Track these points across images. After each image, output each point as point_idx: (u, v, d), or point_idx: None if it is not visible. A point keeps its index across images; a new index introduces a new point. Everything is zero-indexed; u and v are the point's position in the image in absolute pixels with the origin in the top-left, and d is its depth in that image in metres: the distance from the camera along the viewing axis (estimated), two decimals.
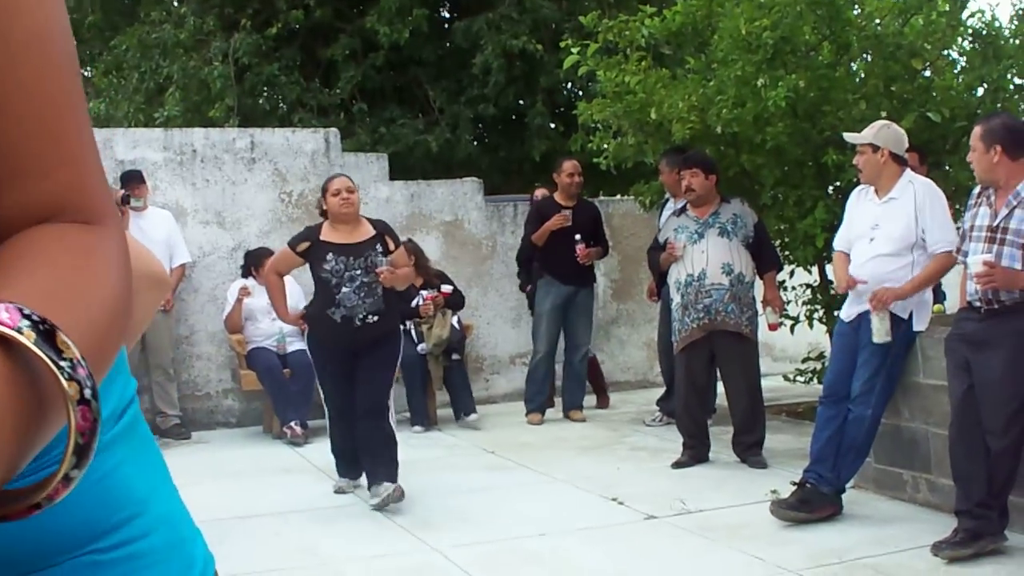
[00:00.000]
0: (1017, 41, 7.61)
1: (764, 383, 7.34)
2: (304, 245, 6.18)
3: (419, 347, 8.59)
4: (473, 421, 8.73)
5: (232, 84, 12.66)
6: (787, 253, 7.98)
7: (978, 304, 4.92)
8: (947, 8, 7.48)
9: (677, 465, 7.02)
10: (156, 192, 8.92)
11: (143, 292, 1.43)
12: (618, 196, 11.18)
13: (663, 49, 8.54)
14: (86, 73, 18.24)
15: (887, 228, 5.57)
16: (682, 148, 7.77)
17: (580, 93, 13.16)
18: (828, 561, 4.89)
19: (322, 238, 6.13)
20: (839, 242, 5.96)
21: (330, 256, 6.03)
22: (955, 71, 7.84)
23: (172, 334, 8.83)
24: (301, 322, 6.43)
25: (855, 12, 7.68)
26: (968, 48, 7.80)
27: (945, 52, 7.82)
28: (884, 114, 6.94)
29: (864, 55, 7.73)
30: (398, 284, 6.23)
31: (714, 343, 7.03)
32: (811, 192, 7.57)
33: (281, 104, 13.49)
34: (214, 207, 9.24)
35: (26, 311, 0.71)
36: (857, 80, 7.77)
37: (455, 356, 8.88)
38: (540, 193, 9.61)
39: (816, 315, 8.26)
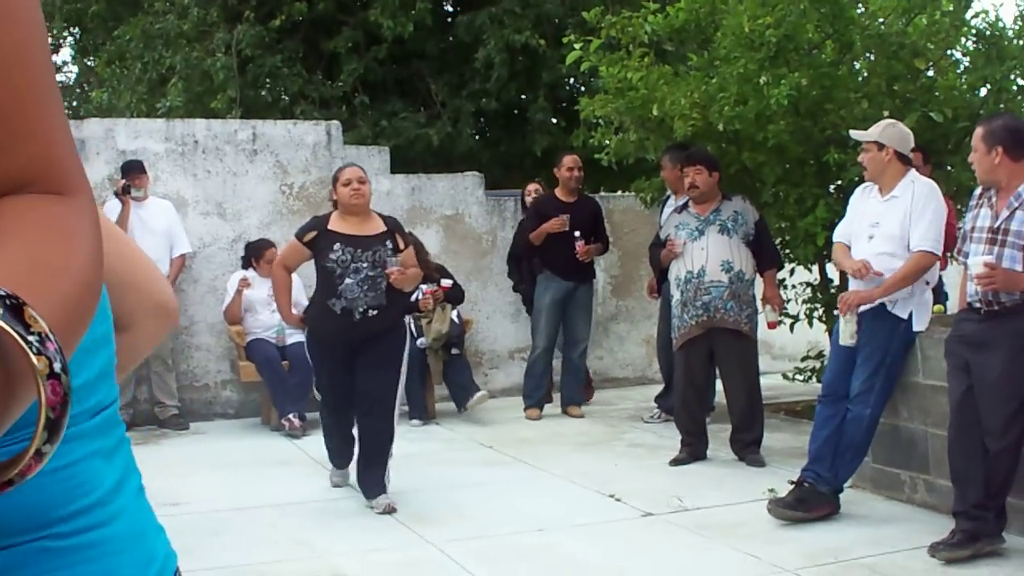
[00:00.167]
0: (1021, 42, 7.60)
1: (763, 381, 7.33)
2: (311, 235, 5.99)
3: (418, 341, 8.58)
4: (480, 398, 8.67)
5: (234, 75, 12.65)
6: (787, 251, 7.97)
7: (978, 305, 4.91)
8: (951, 8, 7.47)
9: (675, 462, 7.02)
10: (157, 183, 8.91)
11: (150, 320, 1.41)
12: (619, 192, 11.17)
13: (666, 45, 8.54)
14: (89, 63, 18.29)
15: (886, 227, 5.56)
16: (684, 145, 7.77)
17: (582, 89, 13.14)
18: (824, 560, 4.89)
19: (330, 228, 5.96)
20: (839, 235, 5.94)
21: (337, 246, 5.85)
22: (958, 71, 7.83)
23: None
24: (302, 324, 6.32)
25: (858, 11, 7.68)
26: (971, 48, 7.79)
27: (948, 52, 7.81)
28: (886, 113, 6.94)
29: (867, 54, 7.72)
30: (407, 286, 6.10)
31: (713, 340, 7.02)
32: (812, 190, 7.57)
33: (283, 96, 13.47)
34: (215, 198, 9.23)
35: None
36: (860, 79, 7.77)
37: (454, 350, 8.88)
38: (532, 188, 9.60)
39: (816, 314, 8.26)
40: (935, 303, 6.17)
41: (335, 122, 9.94)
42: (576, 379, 9.05)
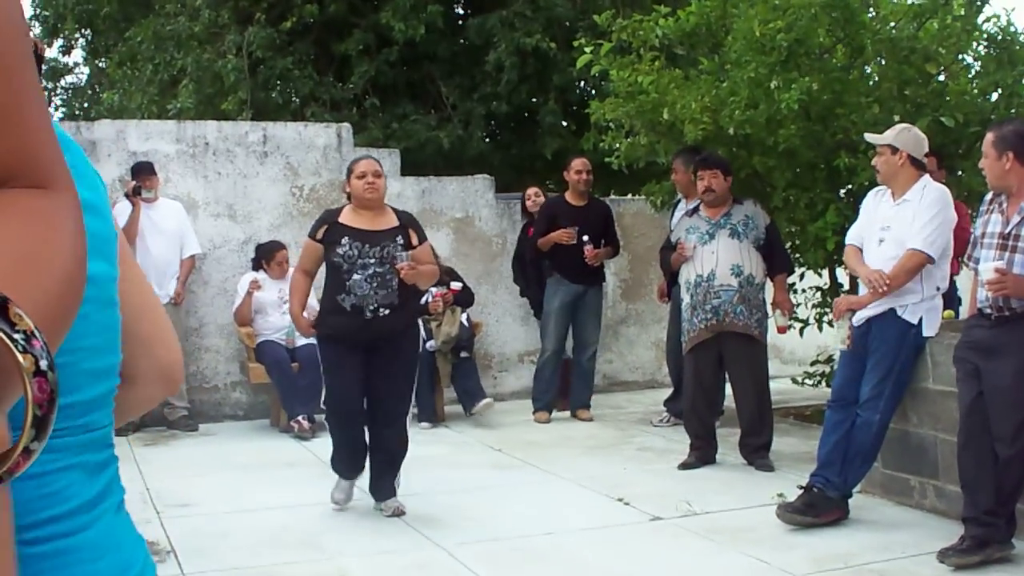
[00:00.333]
0: None
1: (772, 385, 7.33)
2: (323, 229, 5.77)
3: (428, 344, 8.58)
4: (486, 404, 8.70)
5: (245, 77, 12.68)
6: (797, 255, 7.96)
7: (988, 311, 4.90)
8: (962, 12, 7.45)
9: (684, 466, 7.01)
10: (168, 184, 8.94)
11: (151, 384, 1.39)
12: (629, 196, 11.17)
13: (676, 49, 8.53)
14: (100, 64, 18.32)
15: (897, 231, 5.55)
16: (696, 148, 7.75)
17: (593, 92, 13.13)
18: (833, 566, 4.88)
19: (340, 221, 5.75)
20: (851, 238, 5.93)
21: (345, 240, 5.64)
22: (969, 76, 7.81)
23: (182, 326, 8.84)
24: (310, 331, 5.91)
25: (870, 15, 7.66)
26: (983, 53, 7.77)
27: (960, 56, 7.79)
28: (897, 118, 6.92)
29: (878, 58, 7.70)
30: (421, 282, 5.82)
31: (723, 344, 7.01)
32: (822, 195, 7.56)
33: (294, 98, 13.49)
34: (225, 200, 9.25)
35: None
36: (871, 83, 7.76)
37: (464, 354, 8.88)
38: (531, 193, 9.58)
39: (826, 318, 8.24)
40: (949, 308, 6.17)
41: (346, 124, 9.96)
42: (585, 383, 9.04)
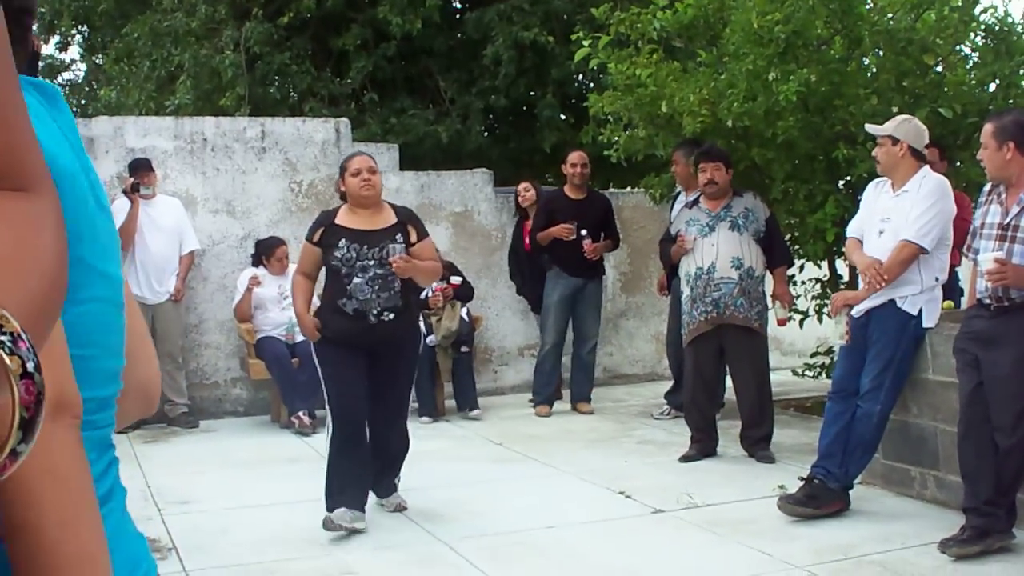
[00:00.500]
0: None
1: (773, 377, 7.33)
2: (319, 232, 5.56)
3: (428, 339, 8.57)
4: (476, 415, 8.76)
5: (243, 73, 12.67)
6: (797, 247, 7.96)
7: (988, 301, 4.90)
8: (959, 3, 7.44)
9: (684, 459, 7.02)
10: (166, 181, 8.93)
11: (127, 400, 1.37)
12: (628, 188, 11.16)
13: (675, 42, 8.52)
14: (97, 61, 18.30)
15: (896, 222, 5.55)
16: (697, 141, 7.74)
17: (591, 85, 13.12)
18: (835, 557, 4.88)
19: (336, 222, 5.52)
20: (852, 230, 5.93)
21: (342, 243, 5.42)
22: (967, 67, 7.80)
23: (182, 322, 8.85)
24: (317, 334, 5.51)
25: (867, 7, 7.64)
26: (980, 44, 7.76)
27: (957, 47, 7.78)
28: (895, 109, 6.92)
29: (876, 50, 7.69)
30: (419, 278, 5.60)
31: (723, 337, 7.01)
32: (821, 186, 7.56)
33: (292, 93, 13.49)
34: (224, 196, 9.25)
35: None
36: (868, 75, 7.74)
37: (464, 348, 8.88)
38: (522, 188, 9.56)
39: (825, 310, 8.22)
40: (951, 299, 6.17)
41: (344, 119, 9.96)
42: (586, 376, 9.04)
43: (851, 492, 5.65)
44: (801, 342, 10.02)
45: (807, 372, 8.86)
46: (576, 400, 9.01)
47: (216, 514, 5.91)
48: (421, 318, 8.31)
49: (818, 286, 8.39)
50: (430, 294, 8.35)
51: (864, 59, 7.90)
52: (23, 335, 0.72)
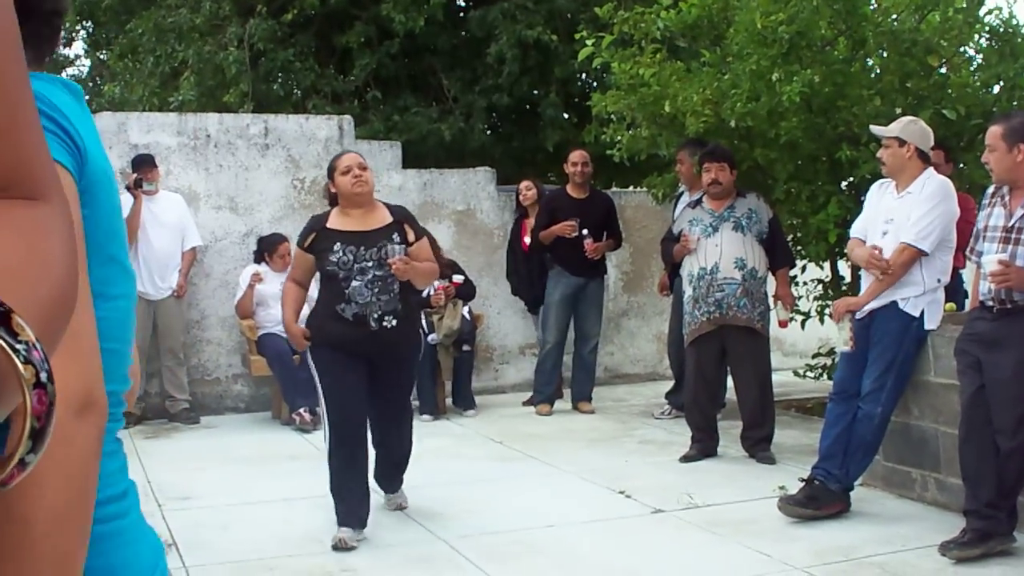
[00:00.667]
0: None
1: (774, 378, 7.32)
2: (311, 238, 5.29)
3: (429, 337, 8.57)
4: (471, 415, 8.78)
5: (247, 69, 12.67)
6: (799, 248, 7.96)
7: (991, 304, 4.90)
8: (964, 5, 7.43)
9: (685, 459, 7.01)
10: (169, 177, 8.94)
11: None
12: (631, 188, 11.16)
13: (678, 42, 8.52)
14: (101, 56, 18.31)
15: (900, 223, 5.54)
16: (701, 141, 7.73)
17: (594, 84, 13.13)
18: (835, 559, 4.88)
19: (328, 226, 5.27)
20: (855, 230, 5.92)
21: (337, 246, 5.15)
22: (971, 68, 7.80)
23: (183, 318, 8.85)
24: (304, 341, 5.31)
25: (871, 7, 7.64)
26: (985, 45, 7.75)
27: (961, 49, 7.77)
28: (899, 111, 6.92)
29: (880, 51, 7.69)
30: (417, 280, 5.35)
31: (725, 337, 7.01)
32: (824, 187, 7.56)
33: (295, 90, 13.48)
34: (227, 192, 9.25)
35: None
36: (872, 76, 7.74)
37: (465, 347, 8.89)
38: (524, 186, 9.55)
39: (827, 311, 8.22)
40: (954, 301, 6.16)
41: (347, 117, 9.95)
42: (587, 375, 9.04)
43: (852, 494, 5.65)
44: (803, 343, 10.02)
45: (808, 373, 8.86)
46: (577, 399, 9.00)
47: (217, 510, 5.91)
48: (423, 316, 8.37)
49: (820, 287, 8.39)
50: (432, 292, 8.34)
51: (868, 60, 7.90)
52: (37, 344, 0.72)
